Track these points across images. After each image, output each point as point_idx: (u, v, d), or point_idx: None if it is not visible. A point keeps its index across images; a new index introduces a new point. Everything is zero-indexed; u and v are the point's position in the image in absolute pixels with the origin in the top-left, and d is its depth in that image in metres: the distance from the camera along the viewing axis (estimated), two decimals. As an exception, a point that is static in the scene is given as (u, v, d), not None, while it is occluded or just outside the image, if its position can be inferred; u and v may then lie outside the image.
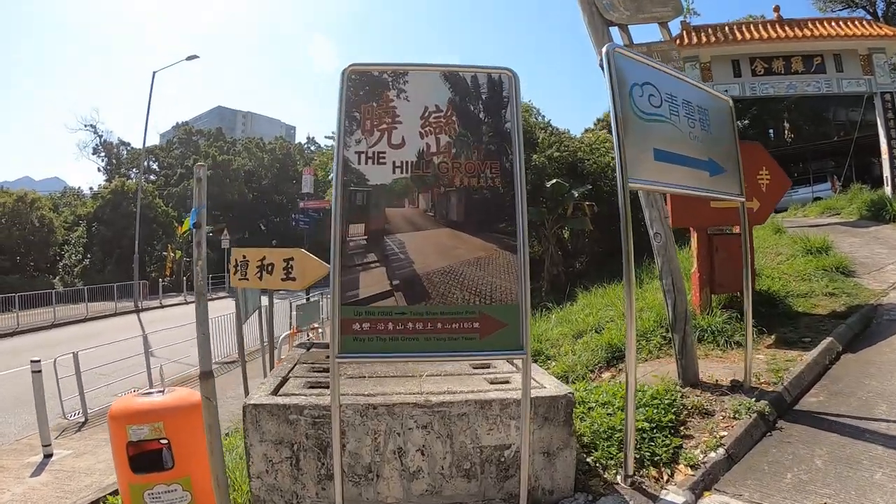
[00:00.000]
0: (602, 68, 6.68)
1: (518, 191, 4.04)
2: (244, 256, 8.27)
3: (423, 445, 4.32)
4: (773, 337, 8.16)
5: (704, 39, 22.39)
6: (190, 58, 43.15)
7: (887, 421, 5.49)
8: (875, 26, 23.73)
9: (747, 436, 5.34)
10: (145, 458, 4.93)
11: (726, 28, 23.17)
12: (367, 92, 4.21)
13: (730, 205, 8.15)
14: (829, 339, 7.64)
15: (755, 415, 5.60)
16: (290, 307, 19.15)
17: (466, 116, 4.23)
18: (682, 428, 5.55)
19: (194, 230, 4.07)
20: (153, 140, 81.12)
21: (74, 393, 12.64)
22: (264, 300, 9.74)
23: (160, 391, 5.21)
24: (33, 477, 9.13)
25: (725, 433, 5.34)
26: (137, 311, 35.56)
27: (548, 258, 21.97)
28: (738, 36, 22.55)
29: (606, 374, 7.89)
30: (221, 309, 18.76)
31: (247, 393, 7.96)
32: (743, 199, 6.17)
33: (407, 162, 4.13)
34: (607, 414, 5.53)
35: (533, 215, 21.03)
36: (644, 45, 7.05)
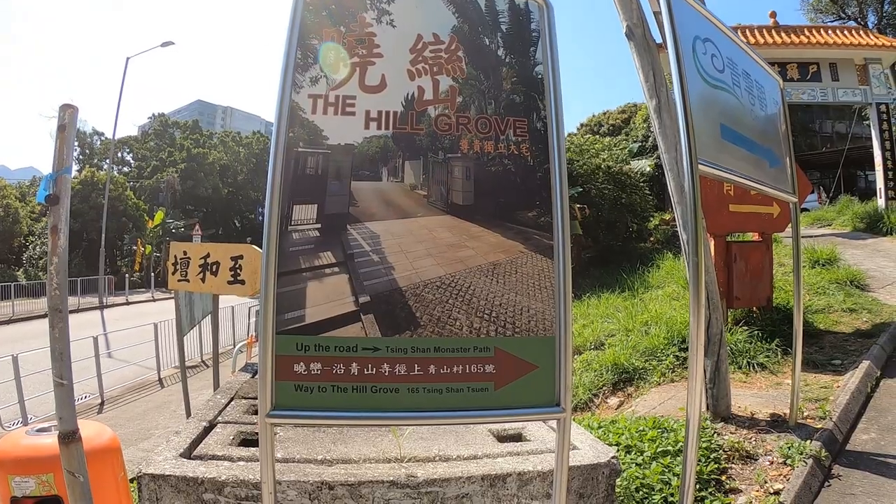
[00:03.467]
0: (628, 37, 5.71)
1: (555, 163, 2.78)
2: (185, 253, 6.91)
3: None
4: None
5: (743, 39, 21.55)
6: (165, 44, 41.85)
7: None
8: (872, 35, 23.64)
9: (806, 489, 4.40)
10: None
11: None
12: (333, 13, 2.94)
13: (750, 209, 7.33)
14: (866, 362, 6.91)
15: (810, 460, 4.65)
16: (250, 311, 17.95)
17: (479, 52, 2.99)
18: (724, 478, 4.55)
19: (48, 206, 2.69)
20: (131, 132, 79.14)
21: (14, 400, 11.53)
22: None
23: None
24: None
25: (780, 485, 4.39)
26: (101, 307, 34.03)
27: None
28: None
29: (613, 400, 6.92)
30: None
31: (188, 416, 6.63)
32: (795, 199, 5.18)
33: (388, 112, 2.84)
34: (637, 465, 4.44)
35: None
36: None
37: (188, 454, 3.38)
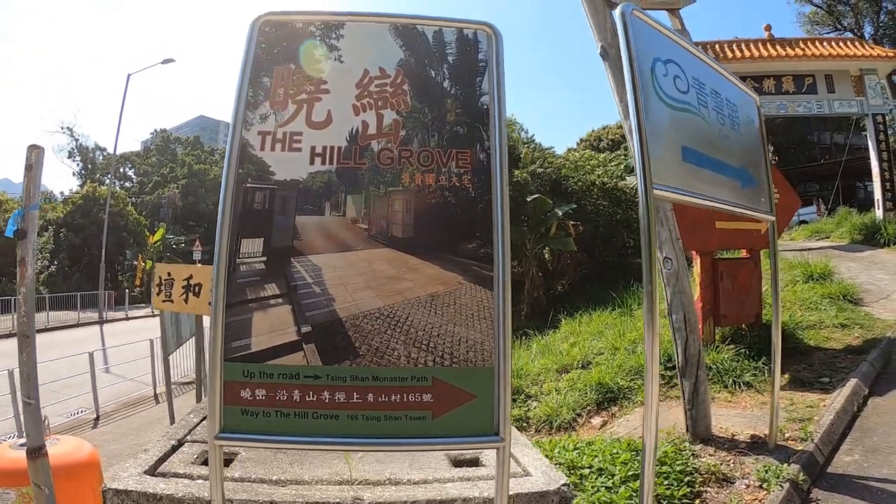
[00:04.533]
0: (603, 57, 5.69)
1: (497, 194, 2.78)
2: (169, 274, 6.97)
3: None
4: (786, 377, 7.24)
5: (713, 57, 21.61)
6: (166, 61, 42.05)
7: (942, 487, 4.53)
8: (867, 46, 23.73)
9: (780, 515, 4.28)
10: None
11: (717, 46, 22.90)
12: (285, 49, 3.03)
13: (737, 226, 7.26)
14: (853, 380, 6.80)
15: (787, 484, 4.55)
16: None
17: (424, 85, 3.00)
18: (697, 502, 4.47)
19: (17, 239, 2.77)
20: (133, 147, 79.39)
21: (10, 414, 11.28)
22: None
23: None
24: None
25: (753, 512, 4.27)
26: (101, 322, 34.00)
27: (528, 280, 20.86)
28: (729, 54, 22.29)
29: (597, 420, 6.81)
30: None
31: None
32: (773, 219, 5.11)
33: (332, 148, 2.90)
34: (606, 488, 4.36)
35: (514, 234, 19.53)
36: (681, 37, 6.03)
37: (152, 471, 3.42)
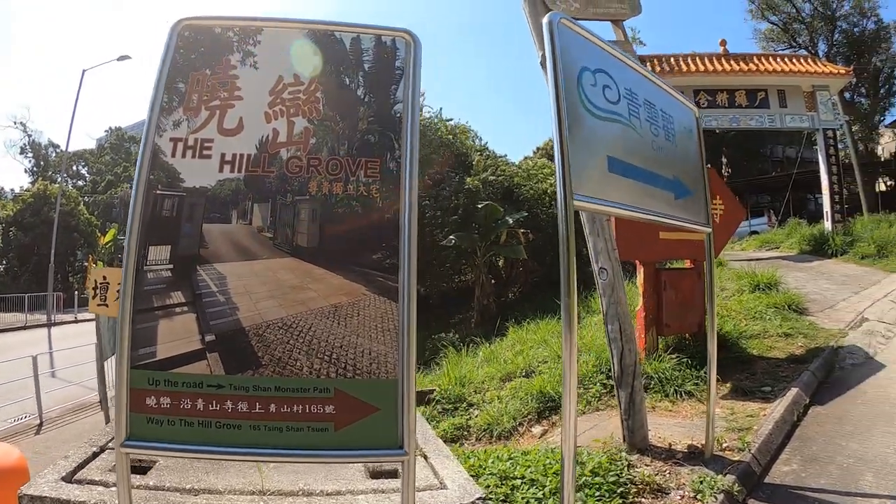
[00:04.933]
0: (542, 66, 5.64)
1: (406, 204, 2.75)
2: (104, 278, 6.84)
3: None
4: (728, 385, 7.33)
5: (649, 69, 21.80)
6: (121, 58, 41.24)
7: (878, 497, 4.59)
8: (820, 63, 24.27)
9: (711, 526, 4.26)
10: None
11: (672, 59, 23.16)
12: (203, 55, 2.98)
13: (681, 236, 7.29)
14: (794, 389, 6.85)
15: (721, 495, 4.55)
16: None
17: (338, 92, 2.97)
18: (630, 514, 4.41)
19: None
20: (87, 144, 77.57)
21: None
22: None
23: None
24: None
25: (685, 523, 4.24)
26: (49, 324, 33.16)
27: (478, 287, 20.89)
28: (684, 67, 22.52)
29: (537, 429, 6.77)
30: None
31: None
32: (709, 230, 5.11)
33: (242, 155, 2.87)
34: (536, 500, 4.30)
35: (464, 241, 20.19)
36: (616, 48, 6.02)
37: (69, 478, 3.45)
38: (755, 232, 29.46)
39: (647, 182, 3.89)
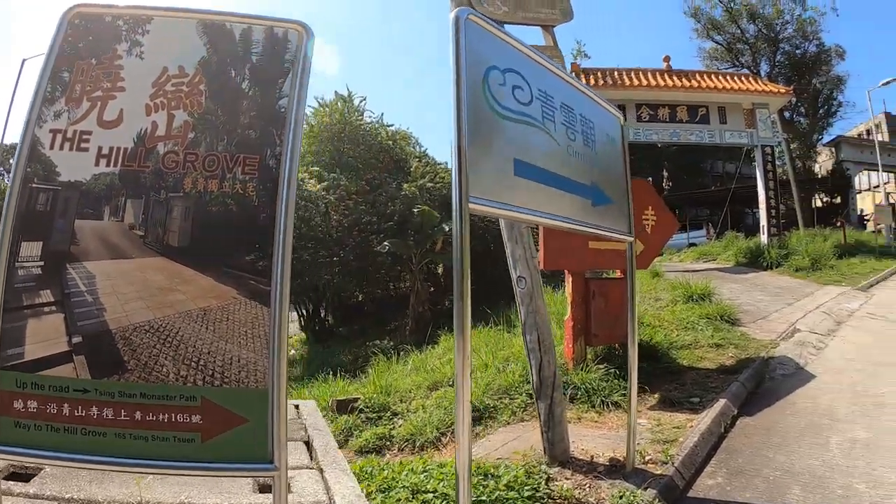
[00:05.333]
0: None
1: (282, 204, 2.60)
2: None
3: None
4: (656, 396, 7.26)
5: (593, 82, 22.48)
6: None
7: (805, 511, 4.46)
8: (760, 82, 25.17)
9: (630, 544, 4.15)
10: None
11: (616, 73, 23.62)
12: (91, 44, 2.80)
13: (611, 246, 7.24)
14: (722, 400, 6.79)
15: (641, 511, 4.40)
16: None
17: (222, 85, 2.80)
18: (545, 532, 4.28)
19: None
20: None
21: None
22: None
23: None
24: None
25: (602, 540, 4.12)
26: None
27: (414, 295, 20.79)
28: (627, 81, 22.95)
29: (463, 440, 6.55)
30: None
31: None
32: (631, 239, 5.02)
33: (119, 149, 2.69)
34: (445, 516, 4.14)
35: (400, 248, 20.09)
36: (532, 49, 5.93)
37: None
38: (694, 244, 30.19)
39: (559, 187, 3.75)
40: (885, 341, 9.88)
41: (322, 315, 27.19)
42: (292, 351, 28.90)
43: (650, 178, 41.23)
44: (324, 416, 7.91)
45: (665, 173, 42.64)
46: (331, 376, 11.61)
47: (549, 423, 5.26)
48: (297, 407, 6.24)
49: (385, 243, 19.87)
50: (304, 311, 25.79)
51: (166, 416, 2.49)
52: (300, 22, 2.87)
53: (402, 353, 12.46)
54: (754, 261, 20.23)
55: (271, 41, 2.90)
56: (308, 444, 4.14)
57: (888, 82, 30.84)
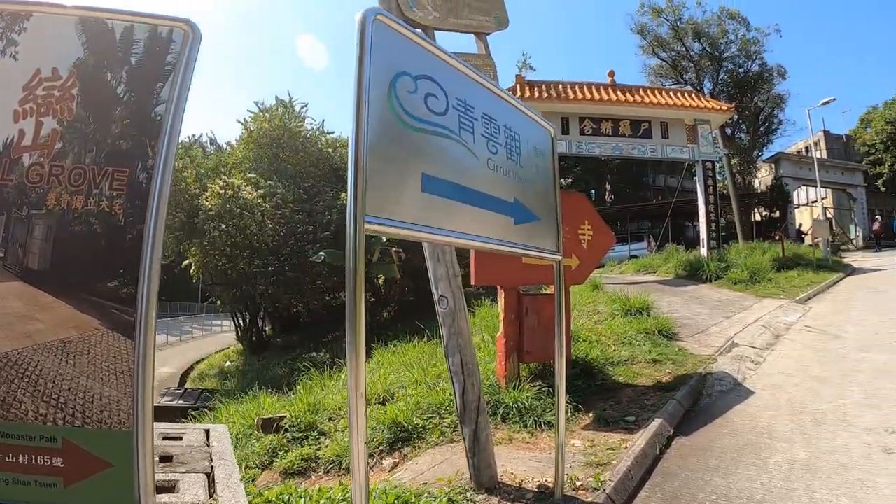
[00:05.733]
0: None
1: (151, 224, 2.35)
2: None
3: None
4: (590, 415, 7.01)
5: (537, 94, 22.63)
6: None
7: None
8: (703, 99, 25.72)
9: (555, 581, 3.94)
10: None
11: (560, 86, 23.70)
12: None
13: (546, 261, 7.09)
14: (658, 420, 6.56)
15: (567, 544, 4.19)
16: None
17: (96, 90, 2.53)
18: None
19: None
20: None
21: None
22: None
23: None
24: None
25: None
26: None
27: (349, 307, 20.49)
28: (570, 94, 23.07)
29: (388, 461, 6.32)
30: None
31: None
32: (559, 258, 4.83)
33: None
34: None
35: (335, 258, 19.65)
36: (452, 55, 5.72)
37: None
38: (634, 256, 30.62)
39: (476, 204, 3.53)
40: (823, 355, 9.85)
41: (259, 325, 26.60)
42: (228, 363, 28.17)
43: (593, 191, 41.76)
44: (249, 436, 7.59)
45: (608, 186, 43.22)
46: (262, 391, 11.24)
47: (475, 450, 5.02)
48: (207, 432, 5.86)
49: (320, 253, 19.59)
50: (241, 322, 25.22)
51: (26, 457, 2.25)
52: (186, 20, 2.63)
53: (335, 367, 12.16)
54: (694, 273, 20.35)
55: (153, 41, 2.64)
56: (209, 476, 3.84)
57: (827, 102, 31.76)
